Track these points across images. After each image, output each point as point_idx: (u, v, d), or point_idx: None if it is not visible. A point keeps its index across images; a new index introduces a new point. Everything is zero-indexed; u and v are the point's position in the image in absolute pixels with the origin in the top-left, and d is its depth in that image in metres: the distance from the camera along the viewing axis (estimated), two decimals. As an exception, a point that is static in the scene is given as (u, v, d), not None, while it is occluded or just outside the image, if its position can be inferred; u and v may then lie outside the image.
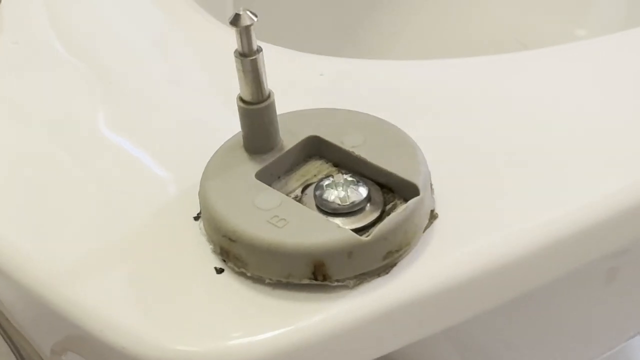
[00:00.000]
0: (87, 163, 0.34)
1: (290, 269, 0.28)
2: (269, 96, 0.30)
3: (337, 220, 0.28)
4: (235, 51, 0.29)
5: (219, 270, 0.29)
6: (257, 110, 0.30)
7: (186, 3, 0.44)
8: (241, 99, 0.30)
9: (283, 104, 0.31)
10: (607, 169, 0.32)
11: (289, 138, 0.31)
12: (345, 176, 0.29)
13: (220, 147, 0.31)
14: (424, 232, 0.29)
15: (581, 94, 0.36)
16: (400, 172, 0.29)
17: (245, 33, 0.28)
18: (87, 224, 0.32)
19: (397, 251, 0.28)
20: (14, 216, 0.32)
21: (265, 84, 0.29)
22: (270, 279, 0.28)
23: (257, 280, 0.28)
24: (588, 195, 0.31)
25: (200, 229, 0.30)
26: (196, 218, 0.31)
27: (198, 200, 0.30)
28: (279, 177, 0.31)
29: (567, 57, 0.39)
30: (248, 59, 0.28)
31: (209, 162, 0.31)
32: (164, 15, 0.44)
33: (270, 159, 0.30)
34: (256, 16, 0.28)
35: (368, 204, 0.29)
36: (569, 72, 0.38)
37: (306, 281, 0.28)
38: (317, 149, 0.31)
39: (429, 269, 0.29)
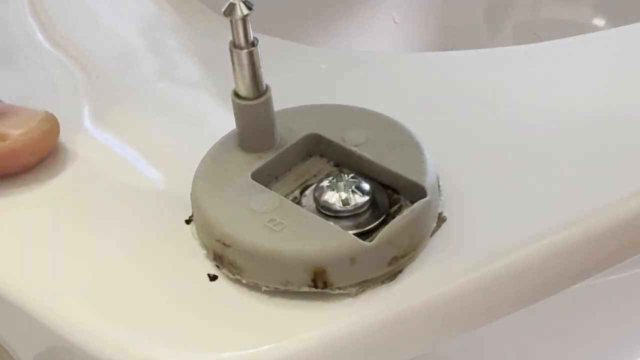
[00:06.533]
0: (71, 162, 0.34)
1: (289, 276, 0.28)
2: (265, 91, 0.30)
3: (339, 224, 0.28)
4: (230, 43, 0.29)
5: (213, 277, 0.29)
6: (253, 106, 0.30)
7: (177, -8, 0.44)
8: (236, 94, 0.30)
9: (280, 100, 0.31)
10: (628, 167, 0.32)
11: (287, 136, 0.31)
12: (347, 176, 0.29)
13: (214, 145, 0.31)
14: (431, 236, 0.29)
15: (600, 88, 0.36)
16: (405, 173, 0.29)
17: (240, 24, 0.28)
18: (70, 228, 0.32)
19: (402, 257, 0.28)
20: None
21: (261, 78, 0.29)
22: (267, 287, 0.28)
23: (253, 287, 0.28)
24: (608, 196, 0.31)
25: (192, 233, 0.30)
26: (188, 221, 0.31)
27: (190, 203, 0.31)
28: (276, 178, 0.31)
29: (585, 49, 0.39)
30: (243, 51, 0.29)
31: (201, 161, 0.31)
32: (154, 5, 0.44)
33: (267, 158, 0.30)
34: (252, 6, 0.28)
35: (371, 207, 0.29)
36: (587, 65, 0.37)
37: (305, 289, 0.28)
38: (317, 147, 0.31)
39: (436, 276, 0.29)
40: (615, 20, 0.67)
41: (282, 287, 0.28)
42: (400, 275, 0.29)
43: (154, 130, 0.36)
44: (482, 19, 0.68)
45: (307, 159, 0.31)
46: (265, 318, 0.28)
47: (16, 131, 0.32)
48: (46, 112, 0.34)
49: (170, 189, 0.33)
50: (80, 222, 0.32)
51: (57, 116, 0.34)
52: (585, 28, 0.66)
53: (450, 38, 0.68)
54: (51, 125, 0.34)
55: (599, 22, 0.67)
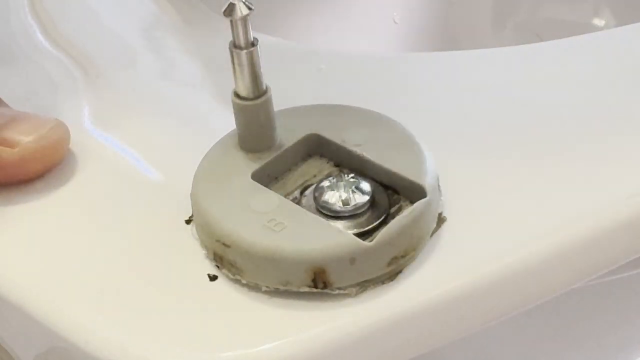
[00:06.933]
0: (70, 163, 0.35)
1: (289, 276, 0.28)
2: (265, 91, 0.30)
3: (339, 224, 0.28)
4: (230, 43, 0.29)
5: (213, 277, 0.29)
6: (253, 107, 0.30)
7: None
8: (236, 94, 0.30)
9: (280, 100, 0.31)
10: (629, 167, 0.32)
11: (287, 136, 0.31)
12: (347, 176, 0.29)
13: (214, 145, 0.31)
14: (431, 236, 0.29)
15: (600, 88, 0.36)
16: (405, 173, 0.29)
17: (240, 24, 0.28)
18: (69, 230, 0.32)
19: (402, 257, 0.28)
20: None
21: (261, 79, 0.29)
22: (267, 287, 0.28)
23: (253, 287, 0.28)
24: (609, 196, 0.31)
25: (192, 233, 0.30)
26: (188, 222, 0.31)
27: (190, 203, 0.31)
28: (276, 178, 0.31)
29: (584, 48, 0.39)
30: (243, 51, 0.29)
31: (201, 161, 0.31)
32: (154, 5, 0.44)
33: (267, 158, 0.30)
34: (252, 6, 0.28)
35: (371, 207, 0.29)
36: (587, 64, 0.38)
37: (305, 289, 0.28)
38: (317, 147, 0.31)
39: (437, 276, 0.29)
40: (615, 20, 0.67)
41: (282, 287, 0.28)
42: (400, 276, 0.29)
43: (154, 130, 0.36)
44: (481, 19, 0.68)
45: (307, 159, 0.32)
46: (265, 318, 0.28)
47: (26, 138, 0.32)
48: (57, 119, 0.33)
49: (170, 189, 0.33)
50: (80, 224, 0.32)
51: (56, 116, 0.34)
52: (585, 28, 0.66)
53: (450, 38, 0.68)
54: (62, 133, 0.33)
55: (599, 22, 0.67)
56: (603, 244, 0.31)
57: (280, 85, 0.31)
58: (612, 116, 0.34)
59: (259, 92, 0.30)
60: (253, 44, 0.29)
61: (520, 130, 0.34)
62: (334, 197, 0.29)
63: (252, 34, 0.28)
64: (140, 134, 0.36)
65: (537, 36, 0.66)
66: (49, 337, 0.29)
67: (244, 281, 0.28)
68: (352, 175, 0.30)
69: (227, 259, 0.28)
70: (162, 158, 0.35)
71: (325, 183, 0.29)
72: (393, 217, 0.29)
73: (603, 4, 0.67)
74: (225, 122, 0.31)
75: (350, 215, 0.29)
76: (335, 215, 0.29)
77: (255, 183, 0.30)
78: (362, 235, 0.28)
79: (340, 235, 0.28)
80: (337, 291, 0.28)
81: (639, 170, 0.32)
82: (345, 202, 0.29)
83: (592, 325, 0.44)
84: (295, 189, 0.30)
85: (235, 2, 0.28)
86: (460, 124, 0.34)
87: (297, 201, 0.30)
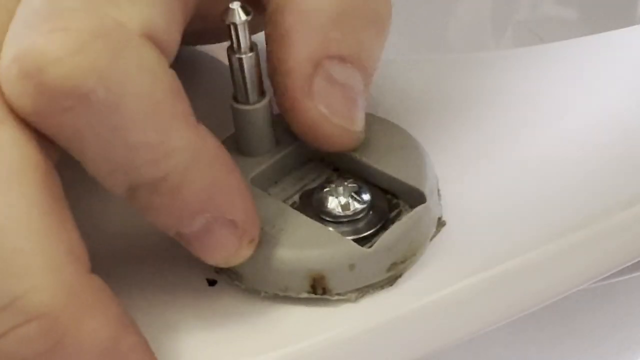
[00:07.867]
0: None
1: (288, 282, 0.28)
2: (264, 95, 0.30)
3: (338, 229, 0.28)
4: (229, 48, 0.29)
5: (211, 282, 0.29)
6: (251, 111, 0.30)
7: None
8: (235, 99, 0.30)
9: (280, 104, 0.31)
10: (630, 173, 0.32)
11: (286, 140, 0.31)
12: (346, 181, 0.29)
13: (213, 150, 0.31)
14: (430, 241, 0.29)
15: (604, 91, 0.36)
16: (405, 178, 0.29)
17: (238, 29, 0.28)
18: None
19: (402, 262, 0.28)
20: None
21: (260, 83, 0.29)
22: (266, 292, 0.28)
23: (252, 293, 0.28)
24: (609, 202, 0.31)
25: (191, 238, 0.30)
26: (187, 226, 0.31)
27: (189, 207, 0.30)
28: (275, 182, 0.31)
29: (587, 50, 0.39)
30: (242, 56, 0.28)
31: (200, 166, 0.31)
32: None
33: (266, 162, 0.30)
34: (251, 12, 0.28)
35: (371, 212, 0.29)
36: (591, 67, 0.37)
37: (305, 295, 0.28)
38: (316, 151, 0.31)
39: (436, 281, 0.29)
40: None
41: (281, 293, 0.28)
42: (400, 280, 0.29)
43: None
44: (481, 20, 0.68)
45: (306, 164, 0.31)
46: (264, 324, 0.28)
47: None
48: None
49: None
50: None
51: None
52: (585, 28, 0.66)
53: (450, 40, 0.68)
54: None
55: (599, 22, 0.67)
56: (604, 247, 0.31)
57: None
58: (616, 120, 0.34)
59: (258, 96, 0.30)
60: (252, 49, 0.28)
61: (521, 135, 0.34)
62: (333, 202, 0.29)
63: (251, 39, 0.28)
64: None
65: (537, 37, 0.66)
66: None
67: (242, 286, 0.28)
68: (351, 179, 0.30)
69: (226, 264, 0.28)
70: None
71: (325, 188, 0.29)
72: (392, 222, 0.29)
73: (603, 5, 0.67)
74: (224, 126, 0.31)
75: (350, 221, 0.29)
76: (335, 221, 0.29)
77: (254, 187, 0.30)
78: (361, 241, 0.28)
79: (340, 241, 0.28)
80: (336, 297, 0.28)
81: (638, 177, 0.32)
82: (345, 207, 0.29)
83: (592, 326, 0.44)
84: (294, 194, 0.30)
85: (234, 7, 0.27)
86: (460, 128, 0.34)
87: (296, 206, 0.30)
